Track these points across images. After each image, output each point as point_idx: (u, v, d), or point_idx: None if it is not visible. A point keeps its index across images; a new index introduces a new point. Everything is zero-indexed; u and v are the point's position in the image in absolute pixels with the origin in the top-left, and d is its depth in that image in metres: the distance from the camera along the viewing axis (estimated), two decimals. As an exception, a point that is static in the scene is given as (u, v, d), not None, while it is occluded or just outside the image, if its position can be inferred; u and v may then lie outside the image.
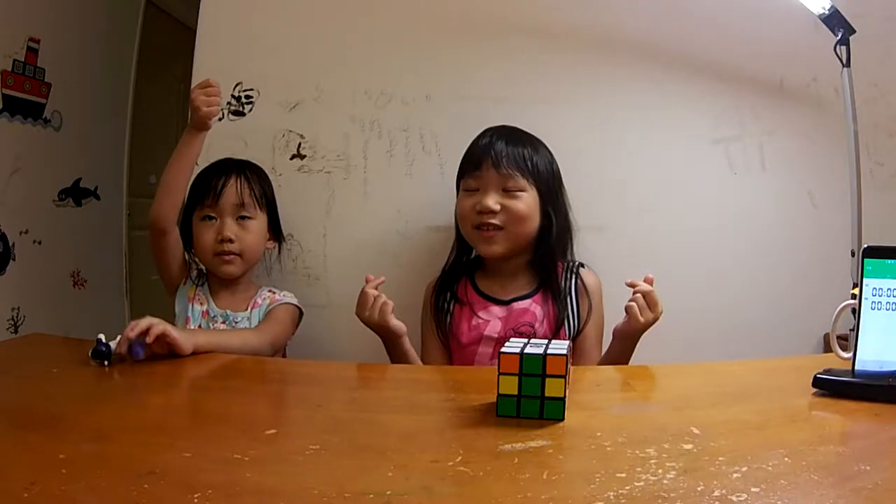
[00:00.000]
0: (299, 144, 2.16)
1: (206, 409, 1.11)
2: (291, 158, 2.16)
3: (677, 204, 2.12)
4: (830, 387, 1.04)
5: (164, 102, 3.97)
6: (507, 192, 1.72)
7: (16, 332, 2.80)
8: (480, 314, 1.77)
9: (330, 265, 2.13)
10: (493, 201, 1.70)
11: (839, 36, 1.83)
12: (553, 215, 1.77)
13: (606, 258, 1.99)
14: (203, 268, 1.91)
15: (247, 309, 1.86)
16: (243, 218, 1.84)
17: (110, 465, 0.78)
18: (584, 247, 1.96)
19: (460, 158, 1.83)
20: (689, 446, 0.83)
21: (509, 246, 1.74)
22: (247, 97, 2.17)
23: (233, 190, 1.83)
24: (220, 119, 2.14)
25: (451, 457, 0.81)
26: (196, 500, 0.68)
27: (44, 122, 3.00)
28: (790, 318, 2.11)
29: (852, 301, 1.10)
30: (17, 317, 2.85)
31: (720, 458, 0.78)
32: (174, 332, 1.37)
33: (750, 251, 2.14)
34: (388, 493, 0.71)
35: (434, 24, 2.16)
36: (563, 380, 0.94)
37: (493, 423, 0.94)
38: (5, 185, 2.79)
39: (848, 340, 1.16)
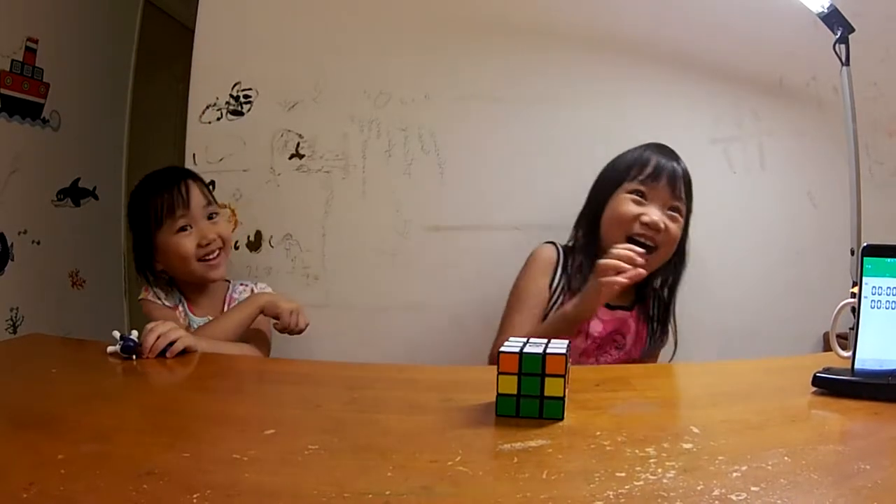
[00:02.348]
0: (298, 144, 2.16)
1: (205, 410, 1.11)
2: (290, 158, 2.16)
3: (677, 203, 2.12)
4: (830, 386, 1.04)
5: (162, 102, 3.97)
6: (669, 212, 1.71)
7: (14, 332, 2.80)
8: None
9: (329, 265, 2.13)
10: (660, 218, 1.68)
11: (838, 35, 1.83)
12: (684, 244, 1.80)
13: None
14: (170, 283, 1.89)
15: (224, 309, 1.87)
16: (212, 216, 1.85)
17: (109, 465, 0.78)
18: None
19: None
20: (688, 445, 0.83)
21: (656, 265, 1.74)
22: (245, 97, 2.17)
23: (197, 192, 1.83)
24: (218, 119, 2.14)
25: (450, 456, 0.80)
26: (195, 500, 0.68)
27: (42, 122, 2.99)
28: (790, 317, 2.11)
29: (852, 300, 1.10)
30: (15, 317, 2.84)
31: (720, 458, 0.78)
32: (193, 346, 1.43)
33: (749, 250, 2.14)
34: (388, 492, 0.70)
35: (433, 23, 2.16)
36: (562, 379, 0.94)
37: (493, 422, 0.94)
38: (3, 186, 2.79)
39: (847, 339, 1.16)
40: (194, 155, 2.21)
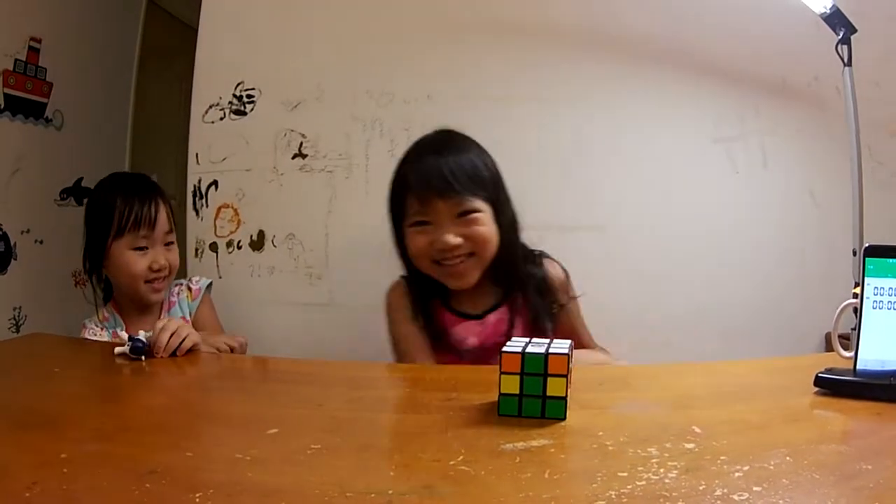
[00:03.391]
0: (301, 144, 2.17)
1: (207, 409, 1.11)
2: (293, 158, 2.17)
3: (678, 203, 2.13)
4: (832, 386, 1.04)
5: (165, 102, 3.97)
6: (463, 217, 1.54)
7: (17, 331, 2.81)
8: (456, 329, 1.63)
9: (332, 264, 2.13)
10: (452, 237, 1.53)
11: (840, 35, 1.83)
12: (505, 219, 1.62)
13: (606, 258, 1.99)
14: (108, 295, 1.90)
15: (162, 314, 1.86)
16: (169, 244, 1.86)
17: (112, 464, 0.78)
18: (584, 247, 1.96)
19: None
20: (690, 445, 0.83)
21: (482, 269, 1.60)
22: (248, 96, 2.17)
23: (164, 218, 1.84)
24: (221, 118, 2.15)
25: (452, 456, 0.81)
26: (197, 500, 0.68)
27: (45, 122, 3.00)
28: (792, 317, 2.11)
29: (854, 300, 1.10)
30: (18, 316, 2.85)
31: (722, 458, 0.78)
32: (199, 343, 1.45)
33: (751, 250, 2.14)
34: (390, 492, 0.71)
35: (435, 23, 2.16)
36: (564, 379, 0.94)
37: (495, 422, 0.94)
38: (7, 185, 2.80)
39: (849, 339, 1.16)
40: (197, 154, 2.22)
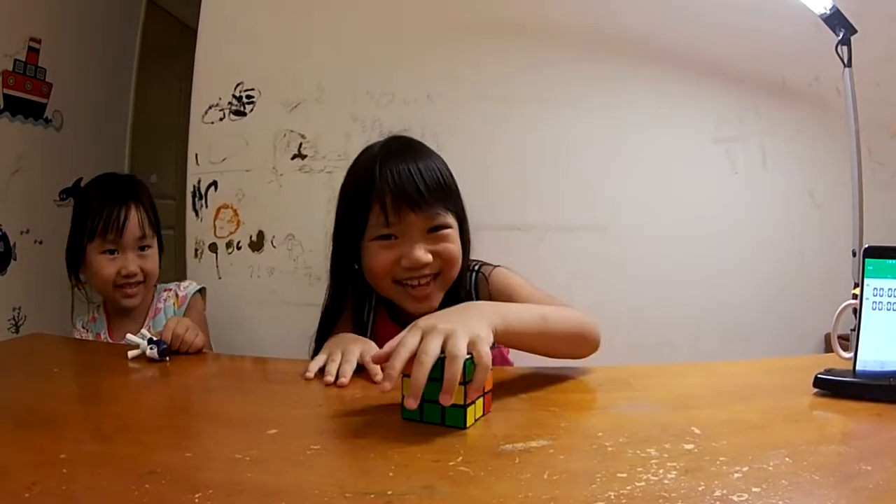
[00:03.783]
0: (300, 144, 2.17)
1: (207, 409, 1.11)
2: (293, 158, 2.17)
3: (678, 203, 2.13)
4: (831, 387, 1.04)
5: (165, 102, 3.97)
6: (434, 233, 1.40)
7: (17, 331, 2.80)
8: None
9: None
10: (423, 253, 1.37)
11: (841, 36, 1.83)
12: (465, 237, 1.49)
13: (606, 258, 1.99)
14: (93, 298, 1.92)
15: (144, 324, 1.83)
16: (144, 248, 1.84)
17: (111, 464, 0.78)
18: (584, 247, 1.96)
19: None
20: (690, 446, 0.83)
21: (443, 292, 1.45)
22: (248, 97, 2.17)
23: (135, 223, 1.81)
24: (221, 119, 2.15)
25: (452, 456, 0.81)
26: (197, 500, 0.68)
27: (45, 122, 3.00)
28: (791, 318, 2.11)
29: (853, 301, 1.10)
30: (18, 317, 2.85)
31: (721, 458, 0.78)
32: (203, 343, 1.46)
33: (751, 251, 2.14)
34: (390, 492, 0.71)
35: (435, 23, 2.16)
36: (463, 387, 0.90)
37: (495, 422, 0.94)
38: (6, 185, 2.79)
39: (849, 340, 1.16)
40: (197, 155, 2.22)
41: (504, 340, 1.11)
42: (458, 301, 1.34)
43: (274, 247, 2.18)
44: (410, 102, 2.14)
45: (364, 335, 1.43)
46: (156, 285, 1.94)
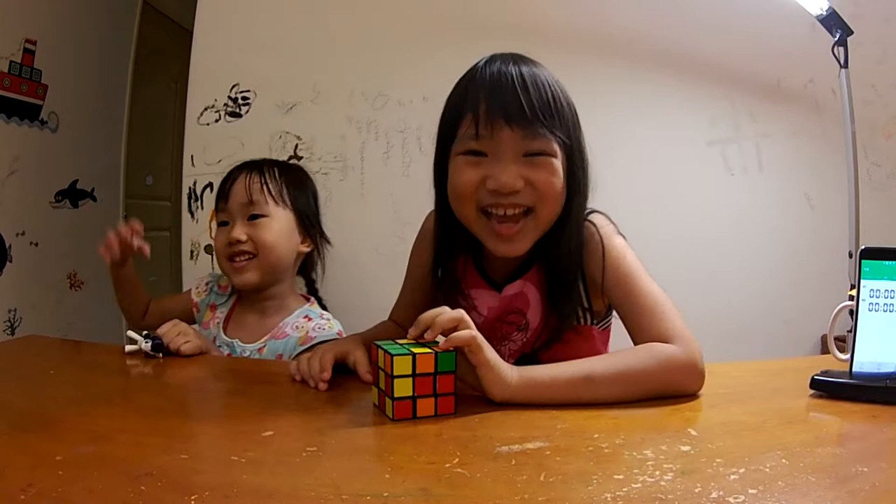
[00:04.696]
0: (296, 146, 2.17)
1: (203, 411, 1.11)
2: (289, 159, 2.17)
3: (674, 205, 2.13)
4: (828, 388, 1.04)
5: (160, 103, 3.98)
6: (532, 158, 1.17)
7: (13, 333, 2.80)
8: (470, 293, 1.33)
9: (327, 266, 2.13)
10: (513, 176, 1.15)
11: (836, 37, 1.83)
12: (573, 174, 1.24)
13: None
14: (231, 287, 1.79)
15: (260, 339, 1.68)
16: (255, 216, 1.66)
17: (107, 466, 0.78)
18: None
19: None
20: (686, 448, 0.83)
21: (536, 237, 1.22)
22: (243, 98, 2.17)
23: (240, 188, 1.67)
24: (216, 120, 2.15)
25: (447, 458, 0.80)
26: (193, 502, 0.68)
27: (40, 124, 2.99)
28: (787, 320, 2.12)
29: (850, 302, 1.10)
30: (13, 318, 2.84)
31: (717, 460, 0.78)
32: (213, 352, 1.44)
33: (747, 253, 2.14)
34: (385, 494, 0.70)
35: (430, 25, 2.16)
36: (409, 379, 0.94)
37: (490, 424, 0.94)
38: (2, 187, 2.79)
39: (845, 342, 1.16)
40: (192, 156, 2.22)
41: (528, 394, 1.02)
42: (560, 254, 1.23)
43: (270, 248, 2.18)
44: (405, 104, 2.15)
45: (455, 286, 1.33)
46: (308, 298, 1.81)
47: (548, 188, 1.17)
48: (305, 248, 1.77)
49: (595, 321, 1.32)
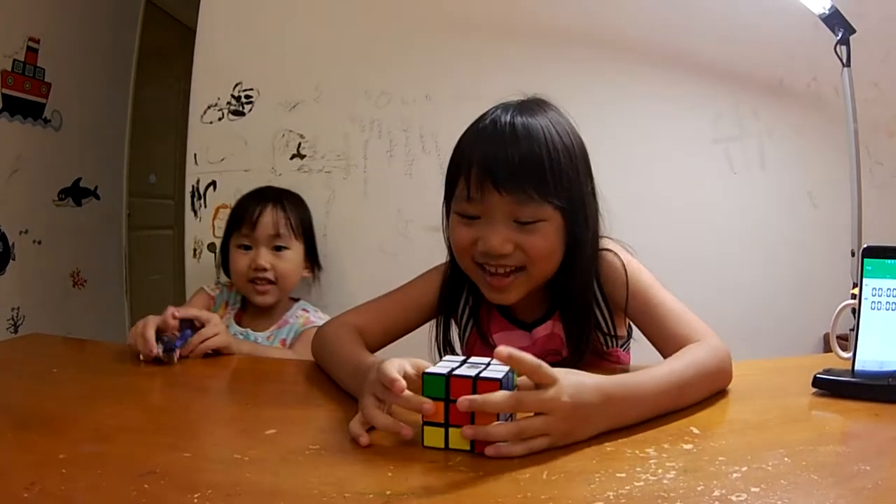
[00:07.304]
0: (299, 144, 2.17)
1: (206, 409, 1.11)
2: (291, 158, 2.17)
3: (677, 203, 2.13)
4: (830, 387, 1.04)
5: (163, 102, 3.98)
6: (521, 223, 1.17)
7: (16, 331, 2.80)
8: (494, 337, 1.35)
9: (330, 265, 2.13)
10: (501, 241, 1.16)
11: (839, 36, 1.83)
12: (578, 226, 1.23)
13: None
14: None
15: (269, 328, 1.90)
16: (279, 248, 1.89)
17: (110, 464, 0.78)
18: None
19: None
20: (688, 446, 0.83)
21: (528, 289, 1.24)
22: (246, 97, 2.17)
23: (269, 219, 1.87)
24: (219, 119, 2.15)
25: (451, 457, 0.81)
26: (196, 500, 0.68)
27: (44, 122, 3.00)
28: (790, 318, 2.11)
29: (852, 301, 1.10)
30: (16, 317, 2.85)
31: (720, 458, 0.78)
32: (232, 346, 1.43)
33: (749, 251, 2.14)
34: (388, 492, 0.71)
35: (434, 24, 2.16)
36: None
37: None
38: (5, 185, 2.80)
39: (848, 340, 1.16)
40: (195, 155, 2.21)
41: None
42: (574, 289, 1.25)
43: (273, 247, 2.18)
44: (409, 102, 2.14)
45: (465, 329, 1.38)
46: (297, 299, 2.00)
47: (538, 252, 1.19)
48: (307, 274, 2.01)
49: (619, 343, 1.37)
